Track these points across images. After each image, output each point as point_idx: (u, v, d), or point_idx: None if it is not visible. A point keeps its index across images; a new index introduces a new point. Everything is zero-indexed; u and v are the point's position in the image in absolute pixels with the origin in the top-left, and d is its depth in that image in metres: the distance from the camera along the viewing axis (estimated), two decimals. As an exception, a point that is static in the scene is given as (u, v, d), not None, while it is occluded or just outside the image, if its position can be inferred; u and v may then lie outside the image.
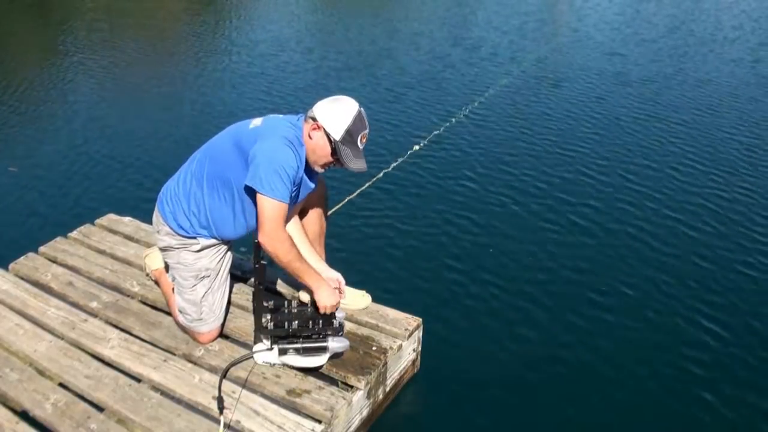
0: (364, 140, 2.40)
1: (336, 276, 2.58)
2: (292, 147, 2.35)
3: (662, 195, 4.67)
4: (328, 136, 2.35)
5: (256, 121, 2.48)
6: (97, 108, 6.50)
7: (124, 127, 5.97)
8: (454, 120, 5.97)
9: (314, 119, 2.37)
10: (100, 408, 2.42)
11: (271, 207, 2.31)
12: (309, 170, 2.49)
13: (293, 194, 2.42)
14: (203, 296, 2.61)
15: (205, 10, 11.23)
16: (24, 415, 2.40)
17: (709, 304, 3.51)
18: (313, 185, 2.54)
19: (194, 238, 2.56)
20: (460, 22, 10.09)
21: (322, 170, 2.48)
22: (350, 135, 2.35)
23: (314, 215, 2.81)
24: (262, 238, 2.34)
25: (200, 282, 2.61)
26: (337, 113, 2.36)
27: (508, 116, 6.17)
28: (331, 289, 2.48)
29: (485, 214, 4.43)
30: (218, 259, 2.64)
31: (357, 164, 2.40)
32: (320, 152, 2.39)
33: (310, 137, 2.39)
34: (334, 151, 2.37)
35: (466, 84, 7.10)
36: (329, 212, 3.50)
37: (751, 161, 5.23)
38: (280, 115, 2.52)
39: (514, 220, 4.35)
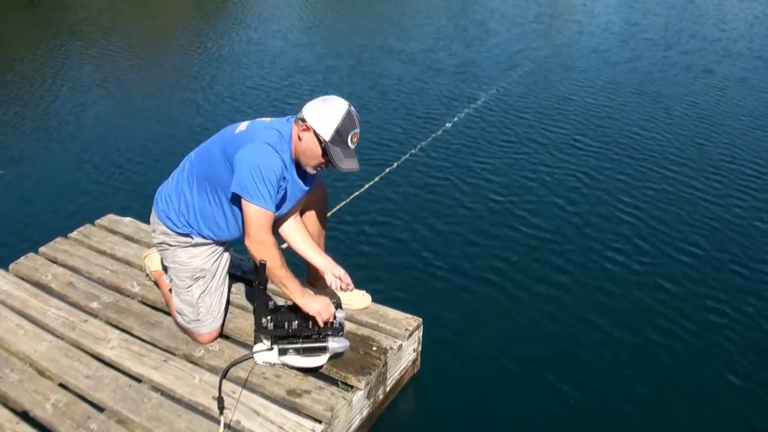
0: (354, 140, 2.36)
1: (341, 273, 2.57)
2: (274, 151, 2.33)
3: (667, 198, 4.68)
4: (317, 137, 2.32)
5: (242, 126, 2.47)
6: (98, 108, 6.50)
7: (124, 128, 5.98)
8: (455, 120, 5.97)
9: (303, 120, 2.35)
10: (100, 408, 2.43)
11: (255, 213, 2.31)
12: (303, 172, 2.47)
13: (281, 195, 2.41)
14: (199, 297, 2.61)
15: (206, 11, 11.23)
16: (24, 416, 2.40)
17: (709, 307, 3.52)
18: (307, 188, 2.52)
19: (188, 235, 2.56)
20: (463, 21, 10.10)
21: (315, 171, 2.45)
22: (340, 135, 2.32)
23: (314, 218, 2.80)
24: (248, 243, 2.35)
25: (195, 283, 2.61)
26: (325, 113, 2.32)
27: (510, 117, 6.16)
28: (317, 298, 2.47)
29: (486, 214, 4.43)
30: (213, 260, 2.64)
31: (348, 164, 2.36)
32: (311, 154, 2.36)
33: (300, 139, 2.36)
34: (325, 152, 2.34)
35: (468, 84, 7.09)
36: (330, 212, 3.51)
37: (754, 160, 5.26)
38: (267, 119, 2.50)
39: (515, 220, 4.35)
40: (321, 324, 2.46)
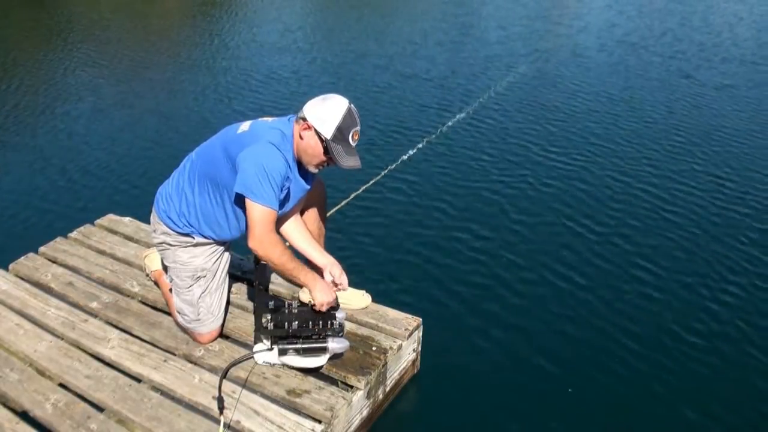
0: (355, 137, 2.38)
1: (337, 272, 2.58)
2: (278, 151, 2.34)
3: (669, 203, 4.68)
4: (318, 135, 2.33)
5: (244, 126, 2.47)
6: (98, 107, 6.49)
7: (124, 128, 5.98)
8: (454, 121, 5.98)
9: (304, 119, 2.35)
10: (100, 408, 2.43)
11: (259, 213, 2.31)
12: (304, 170, 2.48)
13: (284, 195, 2.42)
14: (200, 297, 2.62)
15: (207, 11, 11.23)
16: (24, 416, 2.40)
17: (708, 309, 3.53)
18: (308, 186, 2.53)
19: (189, 235, 2.57)
20: (462, 22, 10.09)
21: (317, 170, 2.46)
22: (341, 133, 2.33)
23: (313, 216, 2.81)
24: (252, 243, 2.34)
25: (196, 282, 2.61)
26: (326, 112, 2.33)
27: (508, 118, 6.16)
28: (327, 286, 2.49)
29: (485, 214, 4.43)
30: (214, 260, 2.64)
31: (350, 162, 2.38)
32: (312, 152, 2.37)
33: (301, 138, 2.37)
34: (327, 150, 2.35)
35: (467, 85, 7.10)
36: (330, 212, 3.51)
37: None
38: (269, 119, 2.50)
39: (515, 220, 4.35)
40: (319, 308, 2.47)
